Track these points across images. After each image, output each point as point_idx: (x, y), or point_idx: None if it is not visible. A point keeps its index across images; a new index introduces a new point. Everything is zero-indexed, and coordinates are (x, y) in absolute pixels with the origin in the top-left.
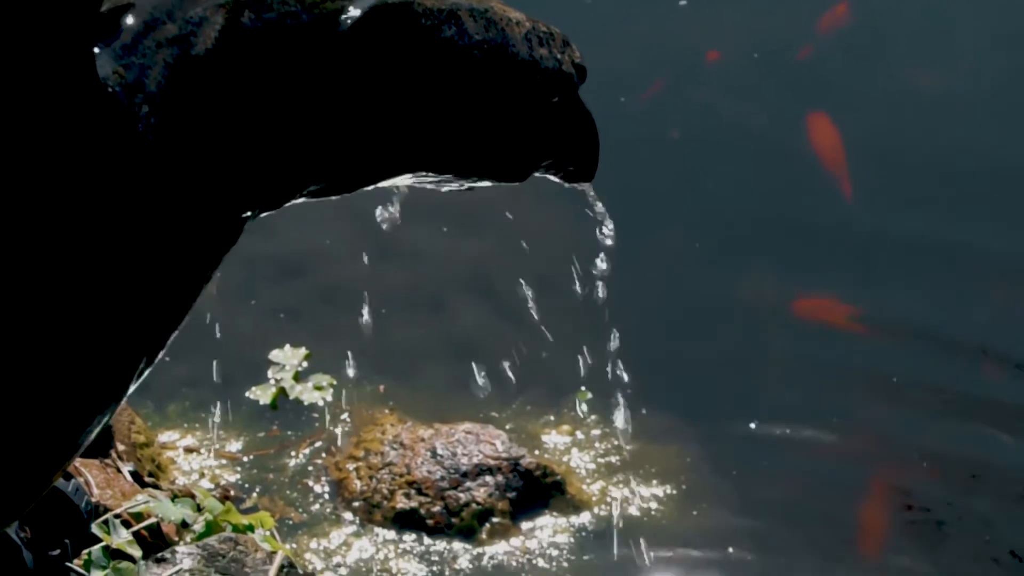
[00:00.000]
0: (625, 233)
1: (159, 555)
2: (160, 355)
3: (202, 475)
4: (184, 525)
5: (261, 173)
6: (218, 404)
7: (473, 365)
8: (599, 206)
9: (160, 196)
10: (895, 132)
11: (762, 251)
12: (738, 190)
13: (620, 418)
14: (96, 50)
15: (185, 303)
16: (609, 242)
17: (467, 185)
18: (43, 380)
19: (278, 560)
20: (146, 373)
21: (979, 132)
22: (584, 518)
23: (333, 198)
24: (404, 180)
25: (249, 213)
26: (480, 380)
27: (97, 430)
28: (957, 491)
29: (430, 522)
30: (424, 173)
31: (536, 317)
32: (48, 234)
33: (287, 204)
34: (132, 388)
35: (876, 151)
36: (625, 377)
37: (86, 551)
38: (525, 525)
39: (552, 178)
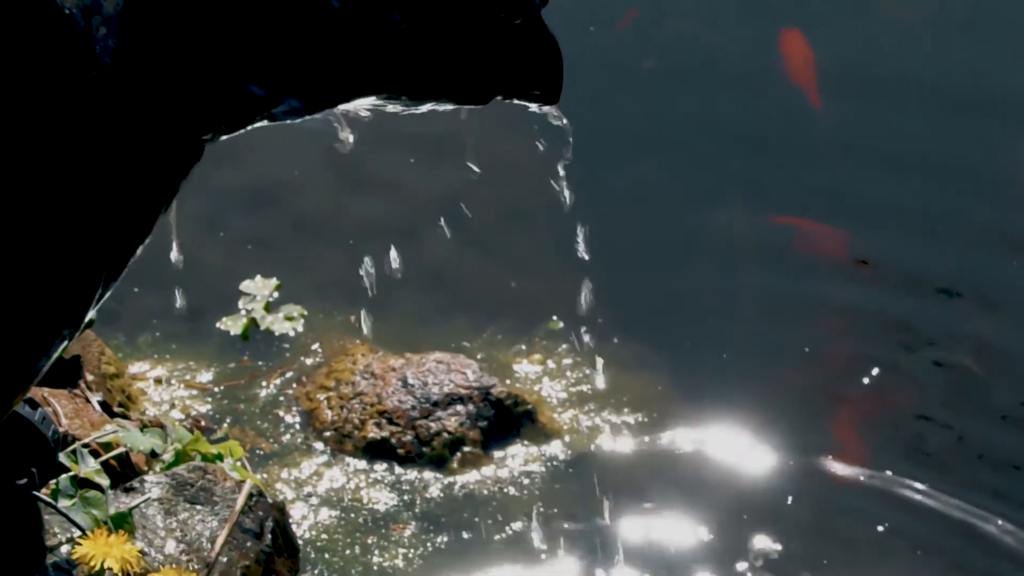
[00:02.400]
0: (598, 164)
1: (128, 484)
2: (119, 279)
3: (172, 406)
4: (153, 455)
5: (220, 95)
6: (188, 335)
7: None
8: (562, 123)
9: (118, 117)
10: (868, 58)
11: (735, 182)
12: (711, 120)
13: (591, 348)
14: None
15: (145, 225)
16: (571, 166)
17: (428, 108)
18: None
19: (246, 489)
20: (104, 297)
21: (951, 57)
22: (555, 447)
23: (299, 125)
24: (366, 102)
25: (209, 135)
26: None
27: (56, 354)
28: (931, 412)
29: (401, 452)
30: (386, 95)
31: (507, 246)
32: (4, 156)
33: (248, 127)
34: (91, 313)
35: (849, 77)
36: (596, 306)
37: (54, 480)
38: (496, 454)
39: (517, 101)
